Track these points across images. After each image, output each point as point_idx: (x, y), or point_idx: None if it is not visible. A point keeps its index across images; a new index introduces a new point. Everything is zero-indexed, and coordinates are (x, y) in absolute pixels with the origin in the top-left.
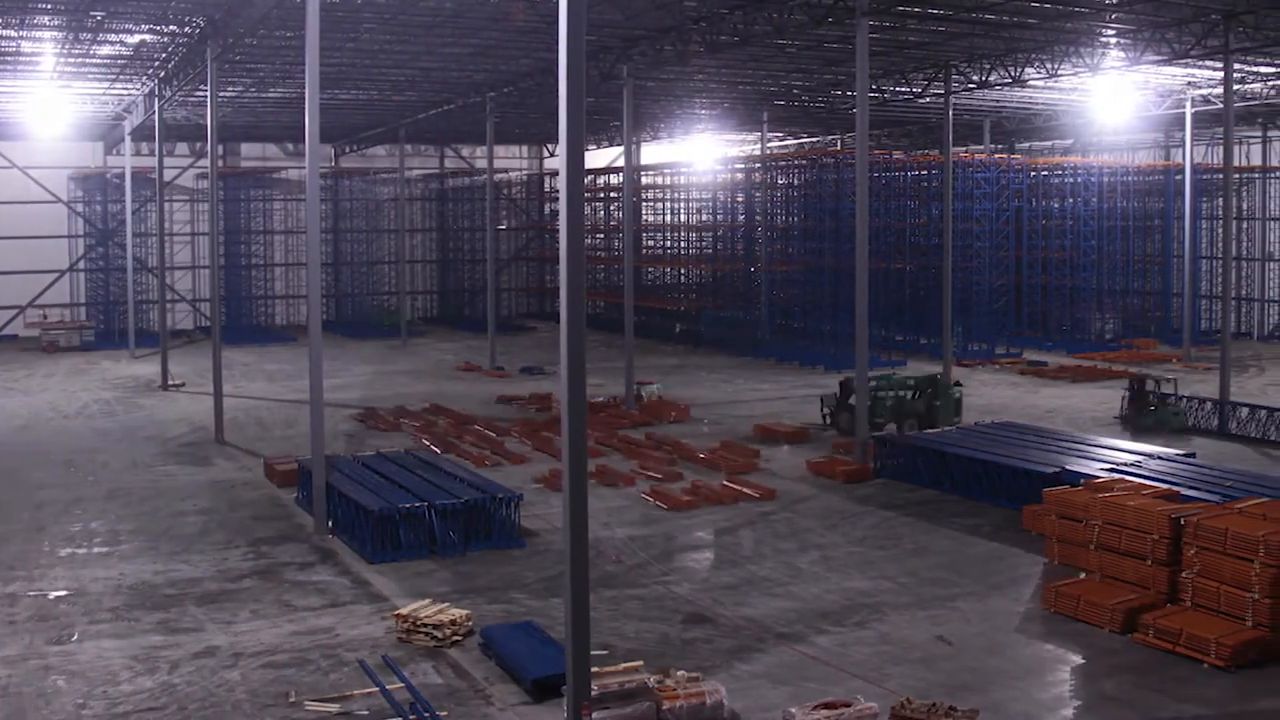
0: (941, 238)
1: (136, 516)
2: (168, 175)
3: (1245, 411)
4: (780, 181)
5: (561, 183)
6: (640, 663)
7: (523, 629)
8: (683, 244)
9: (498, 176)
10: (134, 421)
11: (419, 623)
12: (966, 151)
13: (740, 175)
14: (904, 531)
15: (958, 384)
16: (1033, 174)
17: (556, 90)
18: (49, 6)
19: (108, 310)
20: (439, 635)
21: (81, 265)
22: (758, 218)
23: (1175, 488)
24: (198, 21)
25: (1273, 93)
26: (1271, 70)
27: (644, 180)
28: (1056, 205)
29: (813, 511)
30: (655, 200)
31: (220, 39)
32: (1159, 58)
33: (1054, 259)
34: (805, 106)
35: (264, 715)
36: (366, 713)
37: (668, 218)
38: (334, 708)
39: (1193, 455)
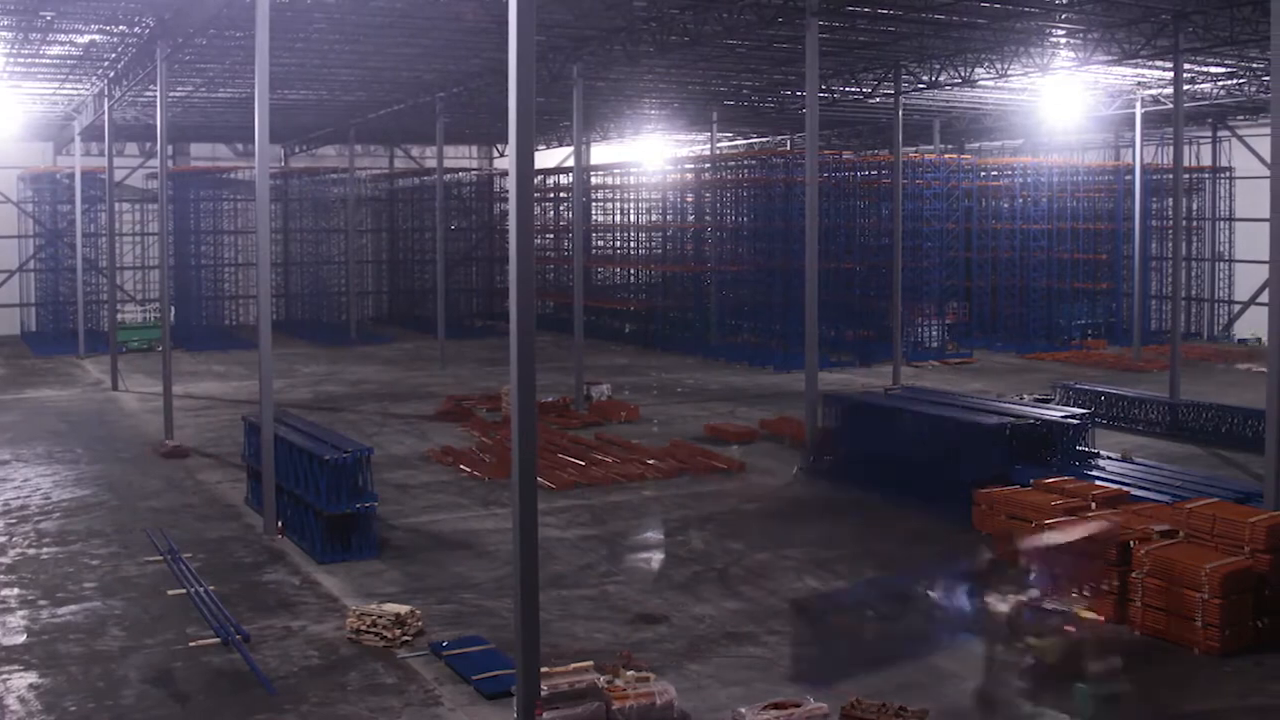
0: (891, 238)
1: (90, 518)
2: (118, 175)
3: (1194, 410)
4: (730, 180)
5: (511, 183)
6: (590, 663)
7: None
8: (633, 244)
9: (447, 177)
10: (82, 421)
11: (371, 623)
12: (916, 151)
13: (690, 175)
14: (856, 532)
15: None
16: (983, 174)
17: (506, 90)
18: None
19: (58, 311)
20: (389, 636)
21: (32, 266)
22: (707, 218)
23: (1125, 488)
24: (148, 21)
25: (1222, 93)
26: (1221, 70)
27: (594, 180)
28: (1006, 205)
29: (763, 511)
30: (605, 200)
31: (170, 39)
32: (1109, 58)
33: (1004, 259)
34: (755, 107)
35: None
36: None
37: (618, 218)
38: None
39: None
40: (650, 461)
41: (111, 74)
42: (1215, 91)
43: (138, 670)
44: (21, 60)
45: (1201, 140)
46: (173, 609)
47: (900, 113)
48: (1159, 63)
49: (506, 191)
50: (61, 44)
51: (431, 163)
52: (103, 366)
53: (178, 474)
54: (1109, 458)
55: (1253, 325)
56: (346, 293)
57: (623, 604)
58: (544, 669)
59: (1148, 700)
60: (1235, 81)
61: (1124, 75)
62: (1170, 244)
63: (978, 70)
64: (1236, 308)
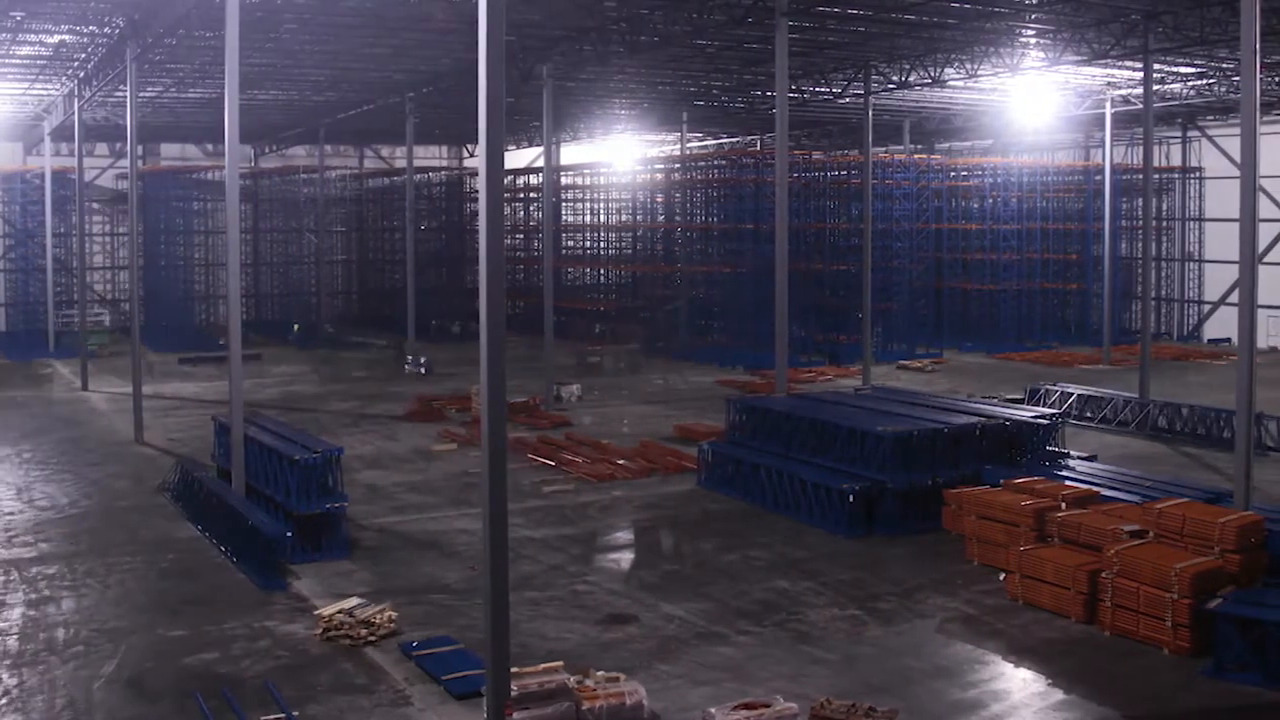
0: (861, 238)
1: (58, 522)
2: (88, 176)
3: (1164, 410)
4: (700, 180)
5: (481, 183)
6: (560, 663)
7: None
8: (603, 244)
9: (417, 177)
10: (52, 422)
11: (340, 623)
12: (886, 152)
13: (660, 176)
14: (823, 531)
15: None
16: (952, 174)
17: (476, 90)
18: None
19: (29, 311)
20: (358, 636)
21: (1, 266)
22: (677, 218)
23: (1095, 488)
24: (117, 22)
25: (1192, 93)
26: (1191, 70)
27: (564, 180)
28: (976, 205)
29: (732, 514)
30: (575, 200)
31: (140, 39)
32: (1078, 58)
33: (974, 259)
34: (725, 107)
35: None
36: None
37: (588, 218)
38: None
39: (1093, 457)
40: (620, 462)
41: (81, 74)
42: (1185, 92)
43: (115, 668)
44: None
45: (1171, 140)
46: (143, 608)
47: (870, 113)
48: (1129, 63)
49: (476, 191)
50: (31, 44)
51: (401, 163)
52: (73, 367)
53: (148, 473)
54: (1079, 457)
55: (1222, 325)
56: (318, 293)
57: (593, 604)
58: (514, 669)
59: (1117, 702)
60: (1205, 82)
61: (1094, 75)
62: (1140, 244)
63: (948, 70)
64: (1206, 308)
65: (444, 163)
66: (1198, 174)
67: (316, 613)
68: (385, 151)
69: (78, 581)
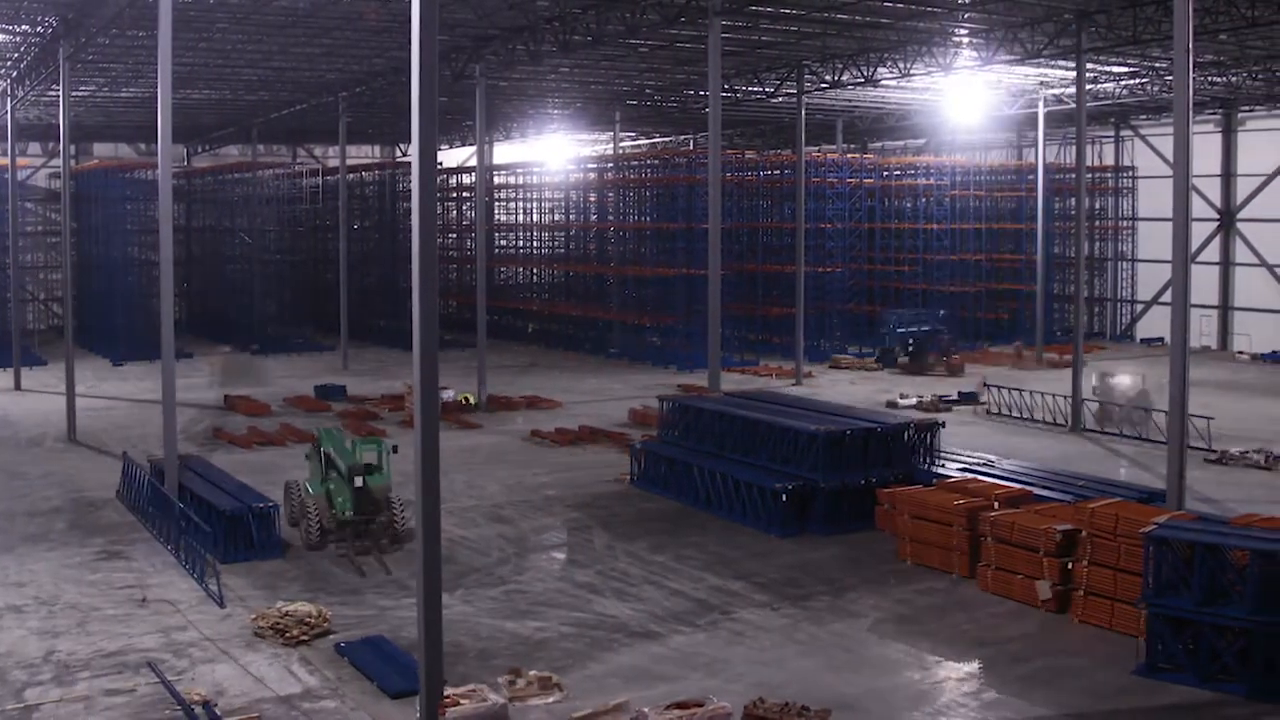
0: (794, 238)
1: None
2: (21, 175)
3: (1097, 409)
4: (633, 180)
5: (414, 183)
6: (486, 684)
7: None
8: (536, 244)
9: (350, 176)
10: None
11: (274, 622)
12: (819, 151)
13: (593, 175)
14: (756, 530)
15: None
16: (885, 173)
17: (409, 89)
18: None
19: None
20: (292, 635)
21: None
22: (610, 218)
23: (1028, 487)
24: (50, 21)
25: (1125, 93)
26: (1124, 70)
27: (497, 180)
28: (909, 205)
29: (664, 513)
30: (508, 200)
31: (73, 38)
32: (1011, 57)
33: (908, 258)
34: (658, 106)
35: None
36: None
37: (521, 218)
38: None
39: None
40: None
41: (14, 73)
42: (1118, 91)
43: (45, 665)
44: None
45: (1104, 140)
46: (73, 604)
47: (803, 112)
48: (1062, 62)
49: (410, 190)
50: None
51: (334, 162)
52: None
53: (79, 472)
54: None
55: (1155, 325)
56: (252, 293)
57: (525, 604)
58: (448, 691)
59: (1049, 701)
60: (1138, 81)
61: (1026, 75)
62: (1073, 244)
63: (881, 70)
64: (1140, 307)
65: (377, 161)
66: (1131, 173)
67: (251, 612)
68: (318, 151)
69: (7, 581)
